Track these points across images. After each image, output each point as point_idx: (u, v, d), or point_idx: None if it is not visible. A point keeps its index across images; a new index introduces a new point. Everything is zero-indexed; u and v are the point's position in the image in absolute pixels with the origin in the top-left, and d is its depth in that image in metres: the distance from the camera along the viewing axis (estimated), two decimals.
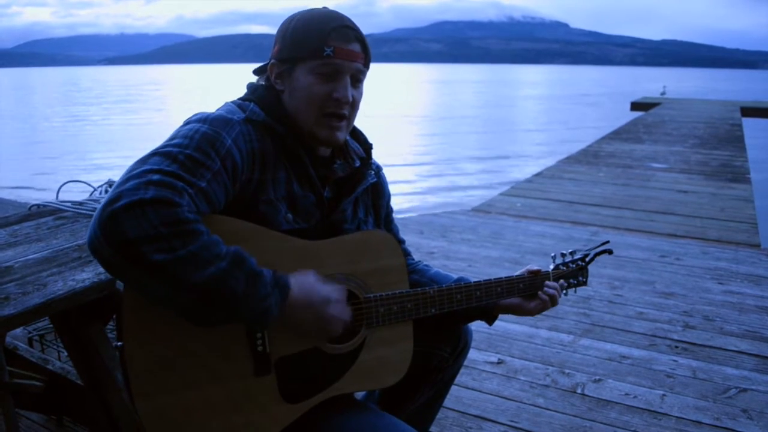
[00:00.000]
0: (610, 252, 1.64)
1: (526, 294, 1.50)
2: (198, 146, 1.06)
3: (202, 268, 0.95)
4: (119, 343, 1.06)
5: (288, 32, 1.24)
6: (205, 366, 1.09)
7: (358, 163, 1.37)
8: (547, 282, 1.52)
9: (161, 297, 0.98)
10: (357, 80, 1.26)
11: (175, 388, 1.07)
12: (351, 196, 1.34)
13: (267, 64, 1.29)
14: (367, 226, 1.40)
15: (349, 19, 1.24)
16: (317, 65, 1.20)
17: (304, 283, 1.12)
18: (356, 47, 1.23)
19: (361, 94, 1.28)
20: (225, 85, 55.43)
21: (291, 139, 1.23)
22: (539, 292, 1.49)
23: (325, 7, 1.26)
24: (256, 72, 1.35)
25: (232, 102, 1.26)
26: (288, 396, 1.17)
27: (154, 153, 1.03)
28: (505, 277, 1.47)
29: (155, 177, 0.97)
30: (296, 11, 1.28)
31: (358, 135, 1.41)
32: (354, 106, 1.26)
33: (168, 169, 0.99)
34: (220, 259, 0.97)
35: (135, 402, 1.05)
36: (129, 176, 0.97)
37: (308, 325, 1.14)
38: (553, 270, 1.57)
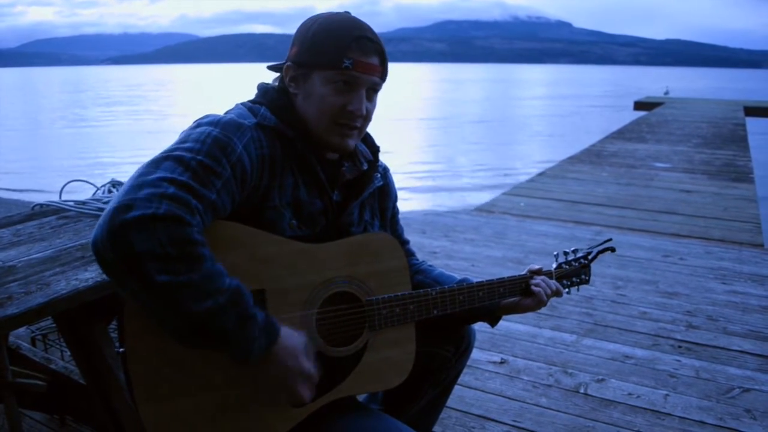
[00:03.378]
0: (612, 250, 1.63)
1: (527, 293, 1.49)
2: (209, 152, 1.05)
3: (200, 299, 0.94)
4: (121, 349, 1.06)
5: (308, 36, 1.21)
6: (210, 370, 1.08)
7: (365, 166, 1.36)
8: (535, 276, 1.50)
9: (151, 311, 0.97)
10: (372, 92, 1.25)
11: (179, 393, 1.07)
12: (358, 199, 1.33)
13: (283, 64, 1.27)
14: (373, 229, 1.39)
15: (370, 30, 1.22)
16: (334, 76, 1.19)
17: (292, 341, 1.07)
18: (375, 60, 1.21)
19: (374, 105, 1.27)
20: (228, 84, 55.48)
21: (301, 143, 1.22)
22: (531, 287, 1.47)
23: (347, 13, 1.24)
24: (271, 68, 1.33)
25: (243, 104, 1.24)
26: None
27: (167, 156, 1.02)
28: (508, 277, 1.46)
29: (170, 190, 0.95)
30: (315, 14, 1.25)
31: (366, 137, 1.40)
32: (367, 118, 1.26)
33: (181, 179, 0.98)
34: (220, 294, 0.96)
35: (137, 408, 1.05)
36: (142, 182, 0.96)
37: (273, 379, 1.08)
38: (555, 269, 1.56)
